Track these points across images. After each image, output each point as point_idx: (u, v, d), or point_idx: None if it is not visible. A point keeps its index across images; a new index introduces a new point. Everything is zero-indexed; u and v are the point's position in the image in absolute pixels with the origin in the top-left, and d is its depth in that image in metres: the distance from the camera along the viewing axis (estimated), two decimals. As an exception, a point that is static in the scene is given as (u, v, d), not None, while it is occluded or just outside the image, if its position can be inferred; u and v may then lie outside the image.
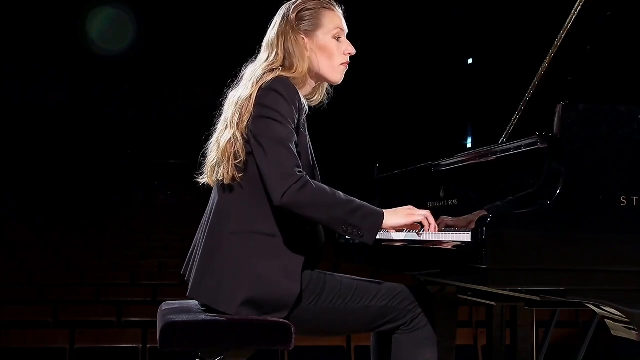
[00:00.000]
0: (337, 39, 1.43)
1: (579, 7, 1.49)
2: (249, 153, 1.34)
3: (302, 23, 1.41)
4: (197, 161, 1.48)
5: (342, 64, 1.44)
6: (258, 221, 1.35)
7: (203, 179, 1.44)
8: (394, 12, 8.23)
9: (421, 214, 1.36)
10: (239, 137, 1.34)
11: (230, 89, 1.43)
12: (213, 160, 1.39)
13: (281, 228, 1.36)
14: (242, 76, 1.42)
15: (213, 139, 1.42)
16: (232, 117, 1.36)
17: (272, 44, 1.41)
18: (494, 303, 1.65)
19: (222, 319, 1.35)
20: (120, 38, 8.27)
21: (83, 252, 5.46)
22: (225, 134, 1.36)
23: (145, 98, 9.03)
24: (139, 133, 8.87)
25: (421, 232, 1.38)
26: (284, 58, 1.39)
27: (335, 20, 1.43)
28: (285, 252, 1.35)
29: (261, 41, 1.46)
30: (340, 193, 1.33)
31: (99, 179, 8.53)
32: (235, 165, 1.34)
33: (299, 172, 1.31)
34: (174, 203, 8.57)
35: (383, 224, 1.34)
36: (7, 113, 8.48)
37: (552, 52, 1.54)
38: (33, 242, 5.82)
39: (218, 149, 1.37)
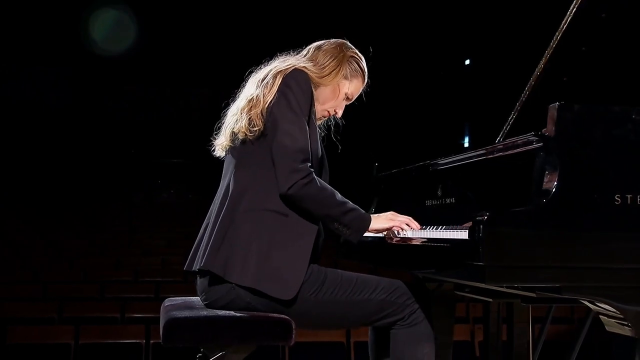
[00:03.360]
0: (345, 98, 1.56)
1: (574, 9, 1.51)
2: (265, 134, 1.41)
3: (350, 66, 1.54)
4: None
5: (326, 111, 1.56)
6: (271, 200, 1.41)
7: (218, 142, 1.50)
8: (392, 12, 8.23)
9: (400, 220, 1.49)
10: (260, 104, 1.41)
11: (258, 69, 1.51)
12: (231, 119, 1.46)
13: (293, 208, 1.41)
14: (272, 62, 1.51)
15: (232, 107, 1.49)
16: (257, 84, 1.44)
17: (320, 54, 1.52)
18: (490, 300, 1.68)
19: (223, 315, 1.38)
20: (121, 39, 8.28)
21: (87, 250, 5.49)
22: (247, 94, 1.44)
23: (147, 98, 9.05)
24: (142, 133, 8.90)
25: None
26: (322, 66, 1.50)
27: (357, 88, 1.58)
28: (297, 231, 1.41)
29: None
30: (338, 194, 1.44)
31: (102, 178, 8.56)
32: (249, 129, 1.41)
33: (308, 166, 1.40)
34: (176, 201, 8.59)
35: (369, 228, 1.45)
36: (10, 113, 8.51)
37: (547, 53, 1.56)
38: (38, 241, 5.85)
39: (237, 109, 1.45)
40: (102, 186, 8.46)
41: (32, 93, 8.67)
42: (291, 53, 1.55)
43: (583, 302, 1.27)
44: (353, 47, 1.57)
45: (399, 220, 1.49)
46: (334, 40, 1.57)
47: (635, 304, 1.22)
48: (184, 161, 8.52)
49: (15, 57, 8.49)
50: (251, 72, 1.52)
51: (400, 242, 1.51)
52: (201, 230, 1.50)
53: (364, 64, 1.57)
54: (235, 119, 1.44)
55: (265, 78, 1.43)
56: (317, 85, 1.49)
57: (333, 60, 1.51)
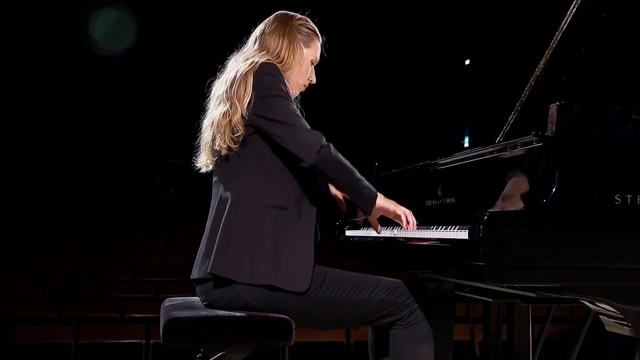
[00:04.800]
0: (311, 64, 1.55)
1: (574, 9, 1.52)
2: (252, 134, 1.41)
3: (301, 34, 1.52)
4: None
5: (302, 85, 1.56)
6: (268, 196, 1.42)
7: (200, 161, 1.50)
8: (393, 12, 8.23)
9: (403, 210, 1.47)
10: (238, 110, 1.40)
11: (216, 78, 1.51)
12: (208, 137, 1.46)
13: (290, 201, 1.43)
14: (228, 65, 1.50)
15: (206, 121, 1.49)
16: (227, 94, 1.43)
17: (267, 38, 1.50)
18: (490, 300, 1.68)
19: (223, 315, 1.38)
20: (121, 39, 8.29)
21: (87, 250, 5.50)
22: (218, 109, 1.43)
23: (147, 98, 9.05)
24: (142, 133, 8.90)
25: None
26: (277, 52, 1.48)
27: (318, 49, 1.56)
28: (298, 224, 1.42)
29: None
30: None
31: (102, 178, 8.56)
32: (232, 138, 1.41)
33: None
34: (176, 201, 8.60)
35: (376, 203, 1.44)
36: (10, 113, 8.51)
37: (547, 53, 1.56)
38: (38, 241, 5.86)
39: (212, 124, 1.44)
40: (102, 186, 8.46)
41: (32, 93, 8.67)
42: (238, 48, 1.53)
43: (583, 302, 1.27)
44: (293, 13, 1.55)
45: (401, 209, 1.46)
46: (272, 17, 1.53)
47: (635, 304, 1.22)
48: (184, 161, 8.49)
49: (15, 57, 8.49)
50: (211, 82, 1.51)
51: (400, 242, 1.51)
52: (202, 239, 1.50)
53: (311, 22, 1.55)
54: (213, 135, 1.44)
55: (233, 84, 1.42)
56: (284, 71, 1.48)
57: (283, 39, 1.49)
